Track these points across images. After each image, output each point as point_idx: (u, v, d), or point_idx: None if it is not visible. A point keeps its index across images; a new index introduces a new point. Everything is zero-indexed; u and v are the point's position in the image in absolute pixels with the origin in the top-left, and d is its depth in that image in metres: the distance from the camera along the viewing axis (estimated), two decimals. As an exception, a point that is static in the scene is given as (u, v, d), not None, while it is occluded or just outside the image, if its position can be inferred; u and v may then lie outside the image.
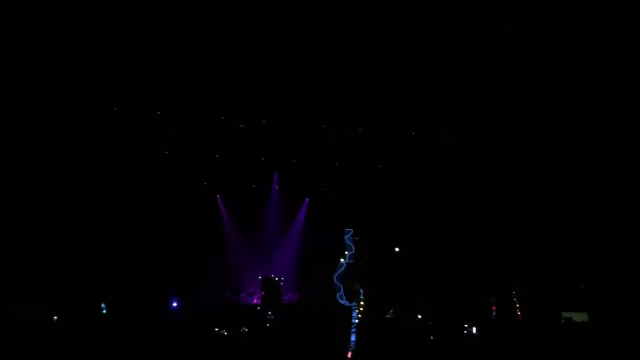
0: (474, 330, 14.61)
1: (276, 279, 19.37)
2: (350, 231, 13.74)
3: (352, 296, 13.02)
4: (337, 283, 13.11)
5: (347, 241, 13.68)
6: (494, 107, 18.42)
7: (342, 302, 12.97)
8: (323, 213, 20.97)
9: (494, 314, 17.58)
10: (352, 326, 12.11)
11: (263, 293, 19.03)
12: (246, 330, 15.56)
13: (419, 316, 17.24)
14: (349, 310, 13.03)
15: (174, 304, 19.03)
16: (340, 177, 20.86)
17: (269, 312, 17.69)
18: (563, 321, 16.49)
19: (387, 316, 17.19)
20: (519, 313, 17.66)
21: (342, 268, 13.42)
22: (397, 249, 20.20)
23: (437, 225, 19.83)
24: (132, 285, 17.79)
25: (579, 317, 16.48)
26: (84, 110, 17.97)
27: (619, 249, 16.79)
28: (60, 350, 11.07)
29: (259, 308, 18.75)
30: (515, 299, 18.01)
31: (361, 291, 13.23)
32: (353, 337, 11.96)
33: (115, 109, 18.63)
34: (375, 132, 20.10)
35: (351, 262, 13.20)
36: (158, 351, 11.35)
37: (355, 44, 16.99)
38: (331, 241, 17.50)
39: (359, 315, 16.45)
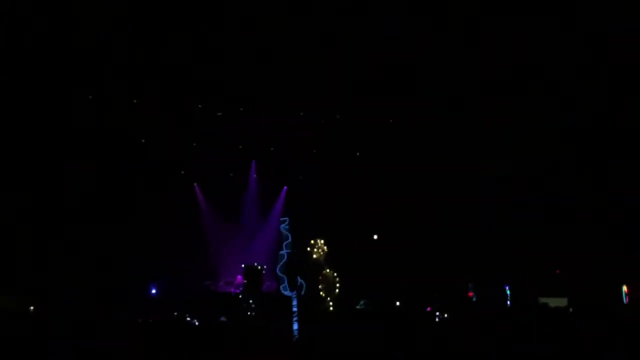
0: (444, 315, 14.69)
1: (259, 267, 19.23)
2: (286, 220, 13.63)
3: (294, 286, 12.99)
4: (280, 275, 13.07)
5: (282, 230, 13.62)
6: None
7: (285, 293, 12.91)
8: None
9: (474, 299, 17.74)
10: (294, 315, 12.02)
11: (245, 281, 18.87)
12: (224, 319, 15.52)
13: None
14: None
15: (153, 291, 18.97)
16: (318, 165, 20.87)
17: (250, 301, 17.58)
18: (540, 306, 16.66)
19: (358, 307, 17.26)
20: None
21: (284, 259, 13.38)
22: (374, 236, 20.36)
23: (414, 212, 20.02)
24: (109, 273, 17.75)
25: (556, 302, 16.64)
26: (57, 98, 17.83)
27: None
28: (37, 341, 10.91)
29: (240, 296, 18.64)
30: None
31: (301, 281, 13.18)
32: (295, 326, 11.87)
33: (90, 97, 18.46)
34: (352, 119, 20.16)
35: (289, 251, 13.12)
36: (133, 340, 11.22)
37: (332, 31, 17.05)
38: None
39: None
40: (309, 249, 17.10)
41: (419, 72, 18.20)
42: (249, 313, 16.41)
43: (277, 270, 12.90)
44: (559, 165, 18.65)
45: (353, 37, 17.25)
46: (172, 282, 19.56)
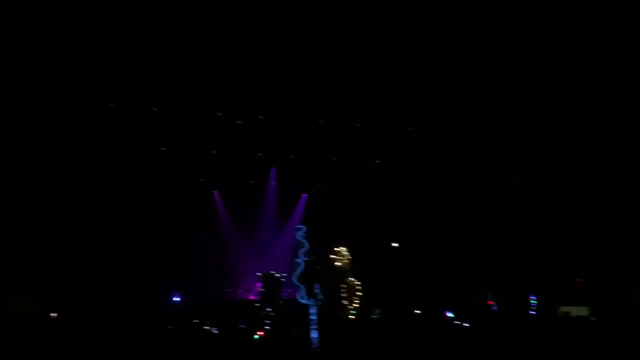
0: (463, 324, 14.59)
1: (277, 275, 19.17)
2: (301, 228, 13.53)
3: (312, 294, 12.89)
4: (297, 283, 12.98)
5: (298, 238, 13.54)
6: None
7: (302, 301, 12.82)
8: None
9: (493, 308, 17.60)
10: (312, 323, 11.97)
11: (263, 290, 18.81)
12: (244, 327, 15.49)
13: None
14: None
15: (176, 299, 19.03)
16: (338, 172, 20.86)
17: (269, 309, 17.51)
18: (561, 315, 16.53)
19: (373, 316, 17.16)
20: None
21: (301, 267, 13.29)
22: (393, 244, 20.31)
23: (433, 219, 19.94)
24: (131, 281, 17.86)
25: (577, 311, 16.49)
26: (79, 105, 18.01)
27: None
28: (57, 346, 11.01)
29: (257, 304, 18.60)
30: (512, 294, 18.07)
31: (319, 289, 13.08)
32: (314, 334, 11.84)
33: (111, 105, 18.61)
34: (372, 127, 20.14)
35: (306, 259, 13.02)
36: (153, 348, 11.28)
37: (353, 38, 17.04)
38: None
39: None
40: (332, 256, 17.08)
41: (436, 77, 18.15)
42: (267, 321, 16.37)
43: (293, 279, 12.83)
44: (582, 171, 18.48)
45: (373, 42, 17.27)
46: (193, 289, 19.60)
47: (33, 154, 17.67)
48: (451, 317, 15.70)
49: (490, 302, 18.15)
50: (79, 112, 18.08)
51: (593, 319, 15.29)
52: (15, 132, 17.44)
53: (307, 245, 12.66)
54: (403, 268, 19.42)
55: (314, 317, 11.86)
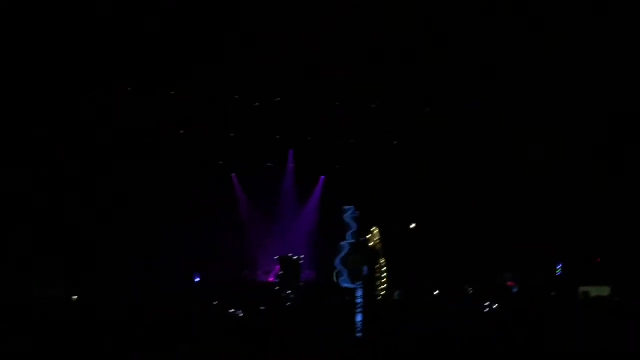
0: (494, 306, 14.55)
1: (295, 257, 19.26)
2: (350, 208, 13.28)
3: (357, 277, 12.69)
4: (340, 267, 12.75)
5: (347, 219, 13.33)
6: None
7: (345, 285, 12.66)
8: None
9: (514, 290, 17.55)
10: (358, 306, 11.91)
11: (281, 272, 18.91)
12: (263, 309, 15.56)
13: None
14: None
15: (197, 279, 19.21)
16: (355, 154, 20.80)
17: (289, 292, 17.61)
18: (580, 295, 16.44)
19: (395, 298, 17.18)
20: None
21: (346, 250, 13.06)
22: (412, 225, 20.27)
23: (451, 201, 19.83)
24: (151, 264, 18.06)
25: (597, 291, 16.40)
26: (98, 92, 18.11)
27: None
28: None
29: (277, 288, 18.70)
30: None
31: (365, 270, 12.92)
32: (359, 317, 11.79)
33: (129, 89, 18.67)
34: (389, 109, 20.02)
35: (353, 241, 12.80)
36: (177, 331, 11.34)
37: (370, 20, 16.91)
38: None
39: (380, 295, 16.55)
40: (368, 236, 17.11)
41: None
42: (288, 304, 16.46)
43: (337, 262, 12.64)
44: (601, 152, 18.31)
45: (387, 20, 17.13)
46: (213, 271, 19.74)
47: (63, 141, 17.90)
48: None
49: (510, 284, 18.11)
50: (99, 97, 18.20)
51: (616, 299, 15.20)
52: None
53: (354, 226, 12.43)
54: (420, 249, 19.39)
55: (358, 301, 11.76)
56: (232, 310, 13.94)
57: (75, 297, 16.63)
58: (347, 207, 12.80)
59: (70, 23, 16.16)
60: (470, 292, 16.35)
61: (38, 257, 17.20)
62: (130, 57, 17.38)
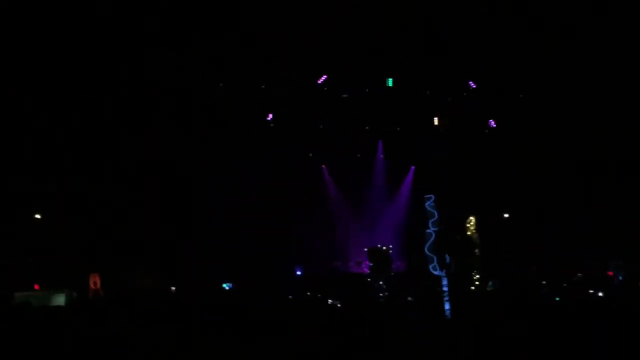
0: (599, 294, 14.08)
1: (384, 248, 19.19)
2: (431, 197, 13.21)
3: (444, 265, 12.61)
4: (430, 254, 12.68)
5: (428, 208, 13.23)
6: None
7: (435, 272, 12.57)
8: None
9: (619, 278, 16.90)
10: (445, 294, 11.77)
11: (371, 264, 18.89)
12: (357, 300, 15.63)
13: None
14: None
15: (298, 272, 19.45)
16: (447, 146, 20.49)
17: (381, 283, 17.61)
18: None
19: (488, 289, 16.90)
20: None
21: (432, 238, 12.98)
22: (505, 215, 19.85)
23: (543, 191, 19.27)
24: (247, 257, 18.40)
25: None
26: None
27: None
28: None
29: (369, 279, 18.70)
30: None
31: (448, 259, 12.77)
32: (447, 306, 11.64)
33: (221, 84, 19.06)
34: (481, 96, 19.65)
35: (436, 229, 12.69)
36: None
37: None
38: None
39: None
40: (463, 225, 16.98)
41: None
42: (381, 294, 16.49)
43: (426, 250, 12.65)
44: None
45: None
46: (311, 264, 19.95)
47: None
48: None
49: (609, 273, 17.46)
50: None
51: None
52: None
53: (436, 215, 12.39)
54: (516, 238, 18.94)
55: (446, 289, 11.69)
56: (331, 301, 14.09)
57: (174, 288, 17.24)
58: (427, 196, 12.74)
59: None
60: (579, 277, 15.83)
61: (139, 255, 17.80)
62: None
